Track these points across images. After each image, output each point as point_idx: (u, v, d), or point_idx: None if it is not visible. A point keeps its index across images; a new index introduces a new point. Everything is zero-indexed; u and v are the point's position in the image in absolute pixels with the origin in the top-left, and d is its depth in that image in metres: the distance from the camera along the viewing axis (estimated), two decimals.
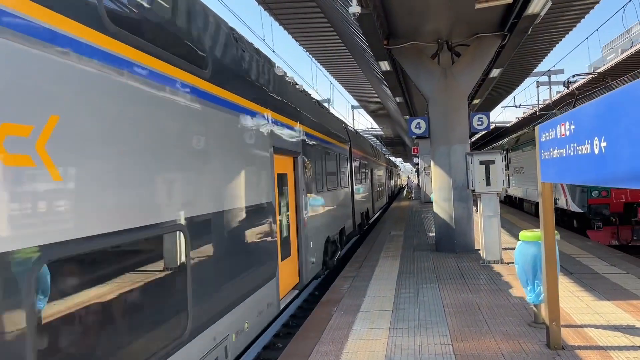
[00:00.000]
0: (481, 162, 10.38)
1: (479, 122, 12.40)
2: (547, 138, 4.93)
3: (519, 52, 17.65)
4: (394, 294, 8.26)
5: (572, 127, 4.02)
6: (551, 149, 4.78)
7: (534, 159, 19.53)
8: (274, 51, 14.04)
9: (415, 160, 45.05)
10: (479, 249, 11.74)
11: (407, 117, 25.93)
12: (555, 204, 17.77)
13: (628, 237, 14.50)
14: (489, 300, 7.62)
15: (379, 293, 8.39)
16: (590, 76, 20.79)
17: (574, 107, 19.14)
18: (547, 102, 31.63)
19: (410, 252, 12.62)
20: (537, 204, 21.65)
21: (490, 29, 11.95)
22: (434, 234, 14.42)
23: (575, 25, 16.01)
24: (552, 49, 19.41)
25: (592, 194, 14.84)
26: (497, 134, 51.86)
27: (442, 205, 12.38)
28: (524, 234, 6.19)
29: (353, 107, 48.33)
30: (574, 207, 15.72)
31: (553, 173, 4.73)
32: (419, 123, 12.56)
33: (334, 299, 8.25)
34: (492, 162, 10.34)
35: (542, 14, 10.33)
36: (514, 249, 12.31)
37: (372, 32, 10.98)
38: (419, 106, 25.02)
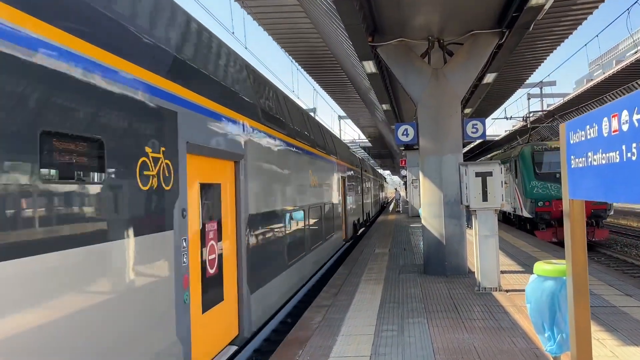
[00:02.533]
0: (477, 174, 9.01)
1: (474, 130, 11.06)
2: (582, 138, 3.54)
3: (511, 62, 16.53)
4: (374, 332, 6.82)
5: (638, 116, 2.64)
6: (589, 154, 3.39)
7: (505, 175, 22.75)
8: (246, 47, 12.62)
9: (403, 172, 43.87)
10: (473, 272, 10.36)
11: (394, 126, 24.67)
12: (514, 211, 21.94)
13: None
14: (489, 342, 6.20)
15: (356, 330, 6.94)
16: (543, 112, 28.51)
17: (529, 137, 24.54)
18: (507, 132, 39.71)
19: (396, 274, 11.19)
20: (504, 213, 23.31)
21: (487, 26, 10.68)
22: (421, 253, 13.07)
23: (571, 32, 14.86)
24: (545, 59, 18.26)
25: (539, 204, 19.43)
26: (486, 147, 51.05)
27: (431, 223, 11.00)
28: (540, 267, 4.79)
29: (340, 117, 47.16)
30: (526, 214, 20.02)
31: (593, 187, 3.33)
32: (406, 130, 11.22)
33: (301, 337, 6.78)
34: (490, 174, 8.98)
35: (547, 6, 9.09)
36: (511, 272, 11.01)
37: (355, 26, 9.64)
38: (407, 114, 23.76)
